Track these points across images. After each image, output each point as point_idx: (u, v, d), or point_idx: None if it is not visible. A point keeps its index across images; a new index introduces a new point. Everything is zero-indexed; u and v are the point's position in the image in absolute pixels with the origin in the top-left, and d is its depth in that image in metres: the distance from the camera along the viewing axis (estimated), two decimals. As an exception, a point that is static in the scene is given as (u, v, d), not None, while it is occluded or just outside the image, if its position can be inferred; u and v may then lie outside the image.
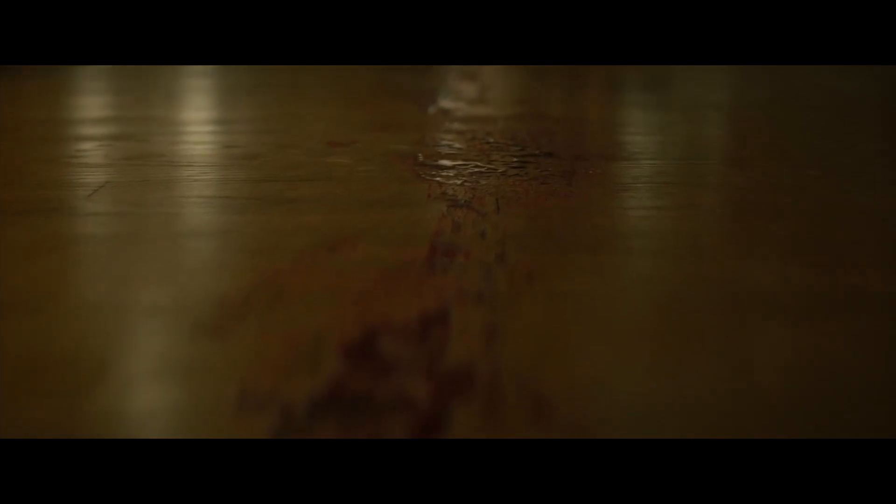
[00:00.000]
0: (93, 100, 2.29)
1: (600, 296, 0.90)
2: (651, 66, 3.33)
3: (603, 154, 1.62)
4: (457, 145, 1.67)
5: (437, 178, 1.41)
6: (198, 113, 2.05)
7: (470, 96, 2.26)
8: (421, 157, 1.56)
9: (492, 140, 1.71)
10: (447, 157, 1.57)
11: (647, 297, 0.90)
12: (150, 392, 0.70)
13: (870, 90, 2.68)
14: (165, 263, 1.00)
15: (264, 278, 0.95)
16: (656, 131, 1.87)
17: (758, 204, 1.27)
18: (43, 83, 2.64)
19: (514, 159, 1.55)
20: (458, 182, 1.38)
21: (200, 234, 1.11)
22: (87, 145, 1.68)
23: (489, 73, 2.80)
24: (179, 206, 1.24)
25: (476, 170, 1.47)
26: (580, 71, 3.15)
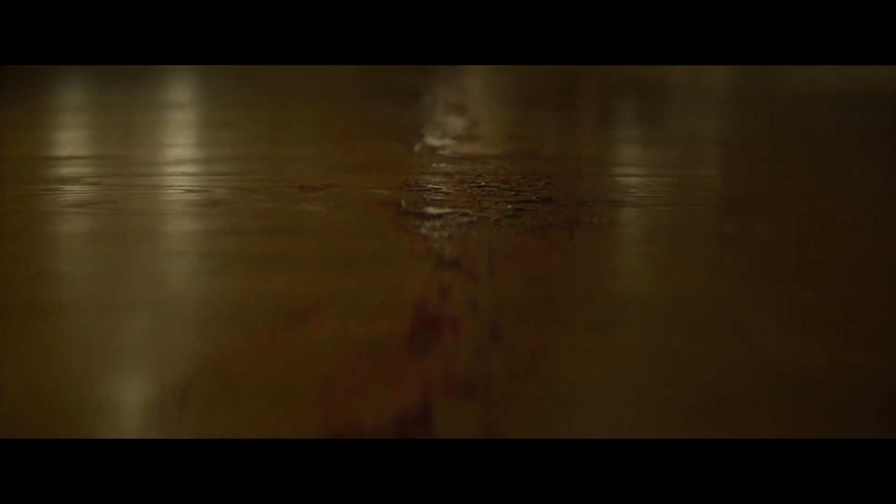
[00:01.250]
0: (47, 135, 2.14)
1: (617, 387, 0.75)
2: (645, 80, 3.20)
3: (606, 199, 1.47)
4: (444, 189, 1.52)
5: (422, 230, 1.26)
6: (160, 151, 1.91)
7: (458, 132, 2.12)
8: (404, 205, 1.41)
9: (483, 183, 1.57)
10: (433, 203, 1.42)
11: (676, 387, 0.75)
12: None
13: (873, 113, 2.55)
14: (91, 343, 0.84)
15: (210, 363, 0.80)
16: (661, 171, 1.72)
17: (792, 262, 1.12)
18: (-1, 117, 2.49)
19: (509, 206, 1.41)
20: (446, 234, 1.23)
21: (140, 303, 0.96)
22: (33, 189, 1.53)
23: (478, 106, 2.65)
24: (120, 265, 1.09)
25: (466, 219, 1.32)
26: (574, 97, 3.01)
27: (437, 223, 1.30)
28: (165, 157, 1.82)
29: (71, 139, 2.06)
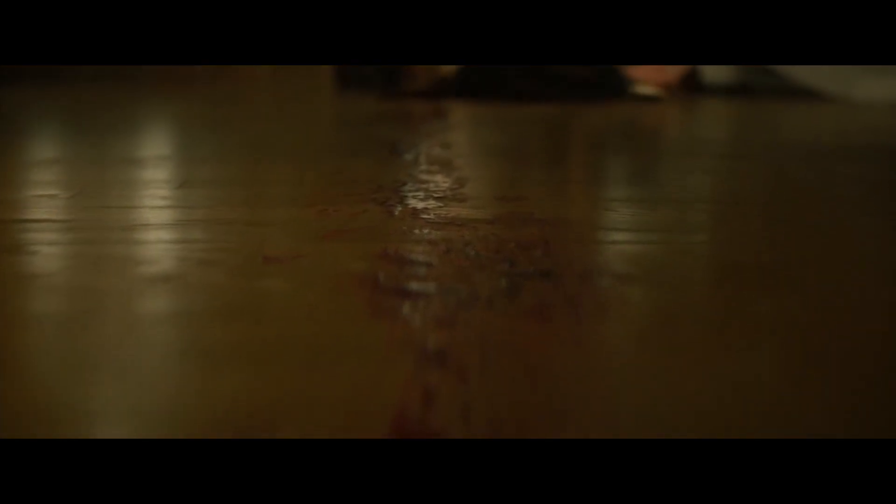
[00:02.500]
0: (-7, 196, 1.97)
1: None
2: (640, 128, 3.07)
3: (613, 272, 1.31)
4: (428, 261, 1.36)
5: (403, 312, 1.10)
6: (113, 214, 1.74)
7: (443, 191, 1.96)
8: (382, 280, 1.25)
9: (473, 253, 1.41)
10: (416, 278, 1.26)
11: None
12: None
13: (878, 165, 2.41)
14: (-18, 476, 0.68)
15: None
16: (668, 236, 1.57)
17: (838, 349, 0.96)
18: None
19: (503, 281, 1.25)
20: (430, 318, 1.07)
21: (58, 409, 0.79)
22: (-42, 261, 1.36)
23: (464, 162, 2.50)
24: (43, 357, 0.93)
25: (454, 298, 1.16)
26: (564, 150, 2.86)
27: (420, 304, 1.14)
28: (118, 222, 1.66)
29: (15, 200, 1.90)
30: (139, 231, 1.58)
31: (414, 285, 1.22)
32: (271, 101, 5.05)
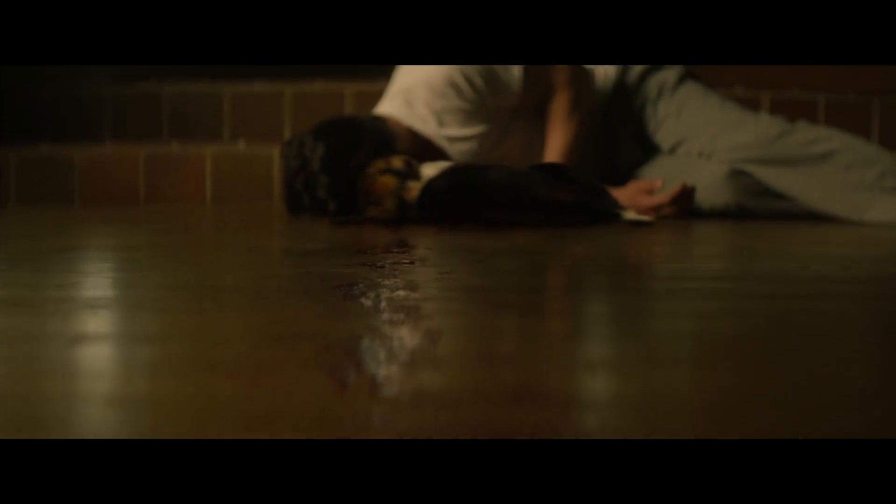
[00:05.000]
0: None
1: None
2: (622, 262, 2.77)
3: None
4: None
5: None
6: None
7: (411, 351, 1.58)
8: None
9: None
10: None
11: None
12: None
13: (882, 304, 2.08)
14: None
15: None
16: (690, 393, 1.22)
17: None
18: None
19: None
20: None
21: None
22: None
23: (434, 307, 2.14)
24: None
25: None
26: (543, 292, 2.53)
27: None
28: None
29: None
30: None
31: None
32: (215, 227, 4.71)
